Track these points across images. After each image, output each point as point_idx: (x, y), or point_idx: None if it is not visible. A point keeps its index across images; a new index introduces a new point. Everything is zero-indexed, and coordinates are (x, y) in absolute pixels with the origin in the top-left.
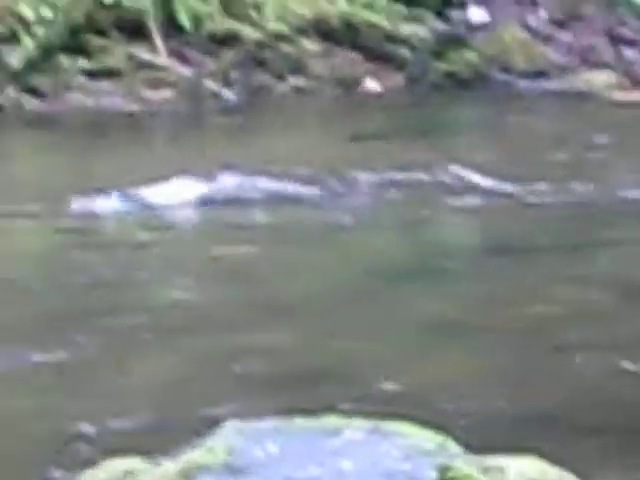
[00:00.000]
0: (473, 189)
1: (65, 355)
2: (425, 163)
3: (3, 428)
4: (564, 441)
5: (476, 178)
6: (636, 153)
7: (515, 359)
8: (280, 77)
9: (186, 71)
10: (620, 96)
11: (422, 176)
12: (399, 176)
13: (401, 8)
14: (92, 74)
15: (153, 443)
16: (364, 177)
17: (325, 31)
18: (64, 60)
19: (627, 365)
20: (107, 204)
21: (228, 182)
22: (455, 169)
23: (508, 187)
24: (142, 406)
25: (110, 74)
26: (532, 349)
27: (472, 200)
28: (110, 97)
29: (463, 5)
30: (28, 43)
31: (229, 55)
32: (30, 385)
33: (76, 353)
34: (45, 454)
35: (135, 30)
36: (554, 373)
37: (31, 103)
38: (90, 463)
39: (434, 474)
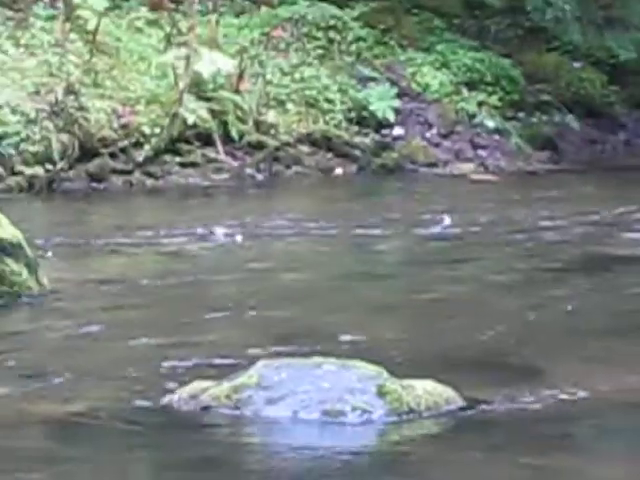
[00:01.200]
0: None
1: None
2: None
3: (140, 360)
4: (453, 372)
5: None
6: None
7: (422, 324)
8: (288, 167)
9: (235, 164)
10: (476, 177)
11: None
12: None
13: (354, 127)
14: (183, 165)
15: (219, 373)
16: (333, 217)
17: (313, 140)
18: (167, 157)
19: (484, 329)
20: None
21: (272, 224)
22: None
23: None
24: (214, 353)
25: (193, 165)
26: (433, 317)
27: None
28: (193, 178)
29: (391, 125)
30: (147, 147)
31: (259, 154)
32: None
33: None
34: (160, 378)
35: (206, 140)
36: (447, 333)
37: (149, 182)
38: (184, 384)
39: (374, 389)
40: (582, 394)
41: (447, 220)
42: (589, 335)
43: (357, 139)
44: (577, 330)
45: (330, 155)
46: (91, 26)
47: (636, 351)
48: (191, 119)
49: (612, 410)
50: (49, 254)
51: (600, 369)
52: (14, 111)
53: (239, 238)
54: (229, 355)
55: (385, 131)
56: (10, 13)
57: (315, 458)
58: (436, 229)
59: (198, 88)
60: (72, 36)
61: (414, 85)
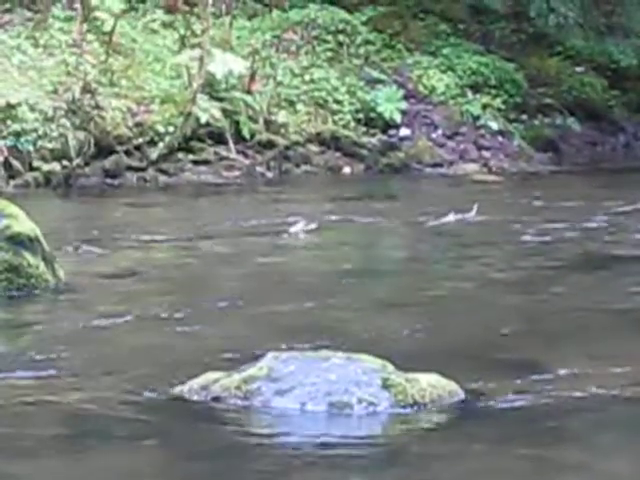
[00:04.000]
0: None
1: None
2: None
3: (152, 352)
4: (457, 366)
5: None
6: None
7: (426, 319)
8: (297, 165)
9: (246, 162)
10: (479, 177)
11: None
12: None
13: (362, 127)
14: (195, 162)
15: (230, 365)
16: (341, 214)
17: (322, 140)
18: (180, 155)
19: (487, 324)
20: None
21: (281, 221)
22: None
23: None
24: (225, 345)
25: (205, 162)
26: (437, 313)
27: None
28: (205, 175)
29: (397, 126)
30: (161, 145)
31: (269, 153)
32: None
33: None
34: (171, 369)
35: (219, 138)
36: (451, 328)
37: (162, 179)
38: (195, 375)
39: (379, 382)
40: (583, 388)
41: (473, 212)
42: (590, 331)
43: (365, 139)
44: (578, 326)
45: (338, 154)
46: (108, 27)
47: (636, 347)
48: (204, 118)
49: (613, 404)
50: (83, 248)
51: (601, 364)
52: (32, 109)
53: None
54: (239, 347)
55: (392, 132)
56: (29, 14)
57: (322, 449)
58: (466, 217)
59: (211, 88)
60: (89, 37)
61: (420, 87)
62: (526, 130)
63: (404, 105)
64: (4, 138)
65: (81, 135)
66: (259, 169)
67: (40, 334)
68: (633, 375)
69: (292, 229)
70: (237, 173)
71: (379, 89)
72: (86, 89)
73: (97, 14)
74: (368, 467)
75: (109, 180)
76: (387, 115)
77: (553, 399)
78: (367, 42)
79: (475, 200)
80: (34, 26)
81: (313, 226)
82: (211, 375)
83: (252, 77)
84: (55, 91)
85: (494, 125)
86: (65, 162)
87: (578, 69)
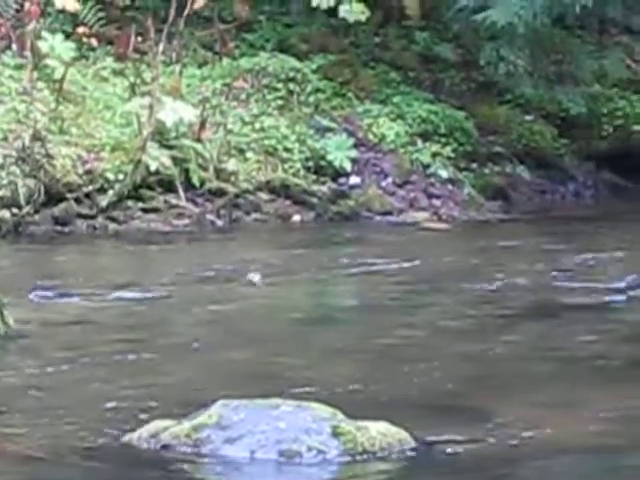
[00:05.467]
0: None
1: None
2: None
3: (100, 400)
4: (407, 414)
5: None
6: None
7: (376, 367)
8: (247, 213)
9: (196, 210)
10: (429, 225)
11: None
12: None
13: (312, 176)
14: (145, 210)
15: (179, 413)
16: (290, 263)
17: (272, 188)
18: (130, 203)
19: (437, 372)
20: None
21: (232, 269)
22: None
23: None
24: (174, 393)
25: (155, 210)
26: (387, 361)
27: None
28: (155, 223)
29: (348, 175)
30: (111, 193)
31: (219, 201)
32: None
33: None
34: (121, 417)
35: (169, 186)
36: (401, 376)
37: (112, 226)
38: (145, 423)
39: (329, 429)
40: (531, 437)
41: (257, 278)
42: (539, 380)
43: (315, 187)
44: (528, 375)
45: (288, 202)
46: (58, 75)
47: (585, 396)
48: (154, 166)
49: (559, 454)
50: (35, 294)
51: (549, 413)
52: None
53: (257, 279)
54: (189, 394)
55: (342, 180)
56: None
57: None
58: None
59: (161, 136)
60: (39, 84)
61: (370, 136)
62: (476, 178)
63: (354, 153)
64: None
65: (31, 183)
66: (209, 217)
67: None
68: (585, 423)
69: (249, 276)
70: (187, 221)
71: (329, 137)
72: (36, 137)
73: (47, 62)
74: None
75: (59, 228)
76: (337, 163)
77: (503, 447)
78: (317, 90)
79: (426, 247)
80: None
81: (259, 277)
82: (161, 423)
83: (202, 125)
84: (5, 139)
85: (444, 173)
86: (15, 210)
87: (527, 117)
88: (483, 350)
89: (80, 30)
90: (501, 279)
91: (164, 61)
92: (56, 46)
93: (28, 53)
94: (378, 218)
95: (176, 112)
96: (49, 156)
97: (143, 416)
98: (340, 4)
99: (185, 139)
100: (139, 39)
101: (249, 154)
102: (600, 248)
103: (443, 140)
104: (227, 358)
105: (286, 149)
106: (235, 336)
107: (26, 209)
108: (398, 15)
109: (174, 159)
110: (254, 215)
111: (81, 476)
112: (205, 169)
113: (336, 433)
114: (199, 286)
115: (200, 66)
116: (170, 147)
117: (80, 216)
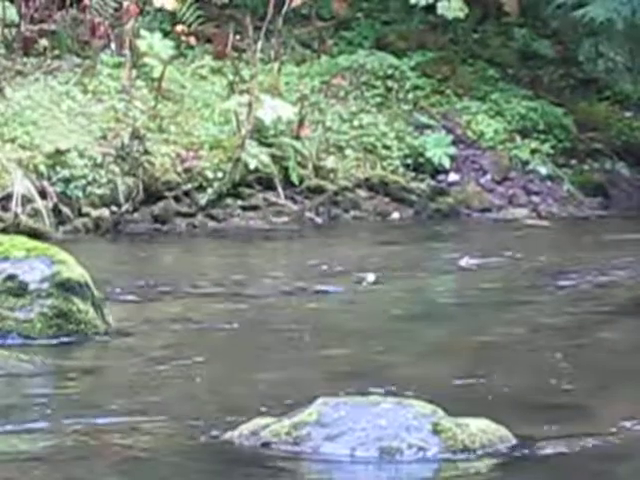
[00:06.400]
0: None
1: None
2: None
3: (202, 397)
4: (507, 411)
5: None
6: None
7: (476, 364)
8: (346, 211)
9: (295, 207)
10: (529, 222)
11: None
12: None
13: (411, 173)
14: (244, 208)
15: (280, 410)
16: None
17: (370, 185)
18: (229, 201)
19: (537, 370)
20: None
21: (332, 267)
22: None
23: None
24: (275, 390)
25: (254, 208)
26: (487, 358)
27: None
28: (254, 221)
29: (446, 172)
30: (210, 191)
31: (318, 199)
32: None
33: None
34: (221, 415)
35: (268, 184)
36: (500, 373)
37: (211, 225)
38: (245, 421)
39: (430, 427)
40: (632, 433)
41: (371, 277)
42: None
43: (413, 184)
44: (629, 371)
45: (387, 200)
46: (156, 73)
47: None
48: (253, 164)
49: None
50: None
51: None
52: (81, 155)
53: (371, 278)
54: (289, 392)
55: (441, 177)
56: (78, 60)
57: None
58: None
59: (260, 134)
60: (138, 83)
61: (469, 133)
62: (575, 175)
63: (453, 150)
64: (53, 184)
65: (130, 181)
66: (308, 214)
67: (90, 380)
68: None
69: (362, 276)
70: (286, 219)
71: (428, 134)
72: (135, 135)
73: (146, 60)
74: None
75: (158, 226)
76: (436, 160)
77: (604, 444)
78: (416, 87)
79: (527, 244)
80: (83, 72)
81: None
82: (261, 420)
83: (301, 122)
84: (104, 137)
85: (543, 170)
86: (114, 208)
87: (627, 114)
88: (583, 347)
89: (178, 28)
90: (601, 276)
91: (262, 59)
92: (155, 44)
93: (127, 52)
94: (477, 215)
95: (275, 110)
96: (148, 154)
97: (244, 414)
98: (438, 1)
99: (284, 137)
100: (237, 37)
101: (348, 151)
102: None
103: (542, 137)
104: (327, 355)
105: (385, 146)
106: (335, 332)
107: (125, 207)
108: (496, 12)
109: (273, 157)
110: (353, 212)
111: (181, 475)
112: (304, 167)
113: (436, 430)
114: (298, 283)
115: (298, 64)
116: (269, 145)
117: (179, 214)
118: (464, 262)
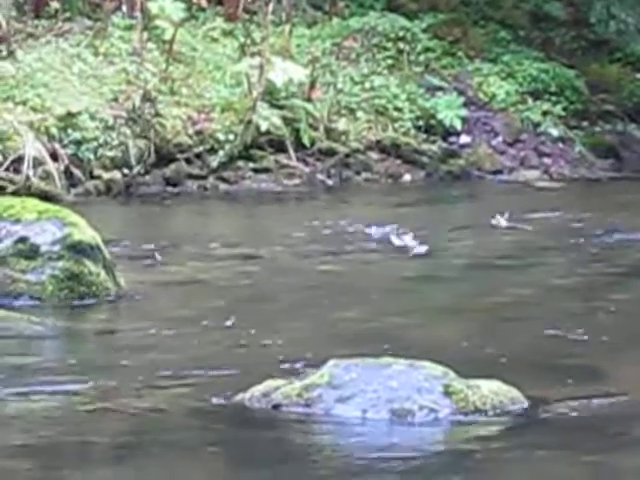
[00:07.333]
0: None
1: None
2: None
3: (213, 359)
4: (518, 372)
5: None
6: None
7: (487, 326)
8: (357, 173)
9: (307, 169)
10: (541, 184)
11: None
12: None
13: (422, 135)
14: (256, 171)
15: (292, 372)
16: (402, 222)
17: (382, 147)
18: (241, 163)
19: (548, 331)
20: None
21: (344, 228)
22: None
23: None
24: (286, 352)
25: (266, 171)
26: (498, 319)
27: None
28: (266, 183)
29: (458, 133)
30: (221, 153)
31: (330, 161)
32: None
33: None
34: (232, 377)
35: (279, 146)
36: (512, 335)
37: (222, 187)
38: (256, 383)
39: (441, 388)
40: None
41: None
42: None
43: (425, 146)
44: (638, 333)
45: (399, 162)
46: (168, 36)
47: None
48: (264, 126)
49: None
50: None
51: None
52: (93, 117)
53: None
54: (300, 354)
55: (452, 139)
56: (89, 22)
57: (383, 456)
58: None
59: (271, 96)
60: (149, 45)
61: (481, 95)
62: (587, 137)
63: (464, 112)
64: (65, 147)
65: (141, 143)
66: (319, 177)
67: (102, 342)
68: None
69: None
70: (297, 181)
71: (439, 96)
72: (146, 97)
73: (157, 22)
74: (430, 474)
75: (169, 188)
76: (447, 122)
77: (615, 405)
78: (427, 49)
79: (539, 205)
80: (94, 35)
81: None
82: (272, 382)
83: (312, 85)
84: (115, 99)
85: (554, 132)
86: (125, 170)
87: (638, 75)
88: (593, 309)
89: None
90: (612, 237)
91: (274, 21)
92: (166, 7)
93: (138, 14)
94: (489, 177)
95: (286, 72)
96: (159, 116)
97: (255, 376)
98: None
99: (295, 99)
100: None
101: (359, 113)
102: None
103: (554, 99)
104: (338, 317)
105: (396, 108)
106: (346, 294)
107: (137, 170)
108: None
109: (284, 119)
110: (364, 174)
111: (193, 435)
112: (315, 129)
113: (448, 392)
114: (310, 245)
115: (310, 26)
116: (280, 107)
117: (191, 176)
118: (497, 221)
